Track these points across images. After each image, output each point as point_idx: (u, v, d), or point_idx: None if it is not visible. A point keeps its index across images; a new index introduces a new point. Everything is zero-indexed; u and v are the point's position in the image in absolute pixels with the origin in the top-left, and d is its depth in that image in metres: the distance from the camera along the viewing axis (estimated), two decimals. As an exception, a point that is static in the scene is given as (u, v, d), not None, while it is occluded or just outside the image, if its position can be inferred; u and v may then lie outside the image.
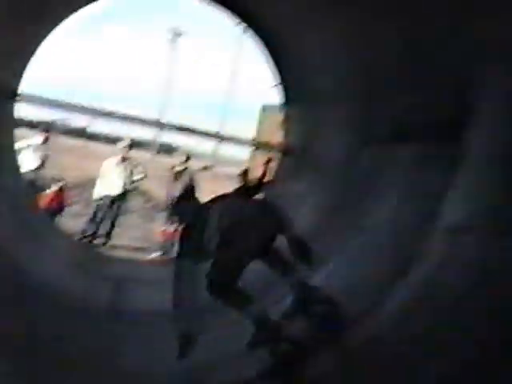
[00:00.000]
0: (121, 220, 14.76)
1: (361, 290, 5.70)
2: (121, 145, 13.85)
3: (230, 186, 15.05)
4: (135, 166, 13.73)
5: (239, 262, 5.43)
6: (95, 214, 13.45)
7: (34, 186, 12.99)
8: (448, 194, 5.04)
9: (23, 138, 13.58)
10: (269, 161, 12.22)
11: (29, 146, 13.22)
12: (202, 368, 5.46)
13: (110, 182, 13.34)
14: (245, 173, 13.89)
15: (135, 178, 13.83)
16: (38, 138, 14.01)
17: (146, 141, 58.91)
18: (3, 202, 8.26)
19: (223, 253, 5.44)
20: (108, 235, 13.59)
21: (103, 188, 13.47)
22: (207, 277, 5.40)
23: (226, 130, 45.85)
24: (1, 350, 4.85)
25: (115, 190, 13.36)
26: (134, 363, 5.75)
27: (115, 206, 13.49)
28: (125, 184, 13.47)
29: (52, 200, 13.58)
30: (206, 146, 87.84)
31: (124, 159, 13.53)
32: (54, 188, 13.87)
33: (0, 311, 5.74)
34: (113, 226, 13.67)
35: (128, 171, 13.50)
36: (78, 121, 69.70)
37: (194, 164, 14.09)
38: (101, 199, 13.46)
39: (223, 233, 5.46)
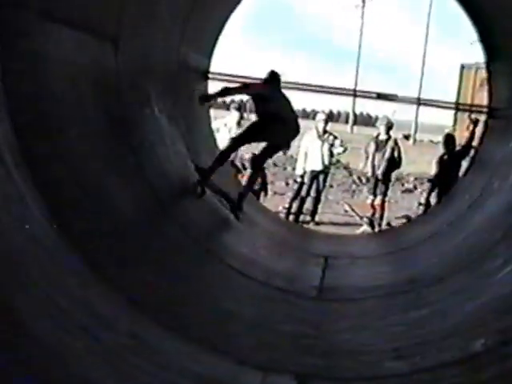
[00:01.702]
0: (324, 195, 14.76)
1: None
2: (319, 118, 13.73)
3: (433, 153, 14.60)
4: (334, 140, 13.53)
5: None
6: (299, 190, 13.55)
7: (233, 165, 13.30)
8: None
9: (219, 117, 13.93)
10: (475, 123, 11.51)
11: (225, 125, 13.48)
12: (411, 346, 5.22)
13: (311, 157, 13.31)
14: (448, 137, 13.19)
15: (336, 151, 13.69)
16: (233, 117, 14.29)
17: (343, 112, 58.54)
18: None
19: None
20: (313, 211, 13.64)
21: (305, 163, 13.48)
22: None
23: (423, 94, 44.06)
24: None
25: (317, 165, 13.30)
26: (348, 341, 5.64)
27: (318, 181, 13.46)
28: (325, 158, 13.36)
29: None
30: (404, 112, 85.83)
31: (323, 133, 13.42)
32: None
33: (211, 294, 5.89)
34: (317, 201, 13.69)
35: (328, 145, 13.35)
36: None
37: (394, 133, 13.66)
38: (303, 175, 13.50)
39: None
